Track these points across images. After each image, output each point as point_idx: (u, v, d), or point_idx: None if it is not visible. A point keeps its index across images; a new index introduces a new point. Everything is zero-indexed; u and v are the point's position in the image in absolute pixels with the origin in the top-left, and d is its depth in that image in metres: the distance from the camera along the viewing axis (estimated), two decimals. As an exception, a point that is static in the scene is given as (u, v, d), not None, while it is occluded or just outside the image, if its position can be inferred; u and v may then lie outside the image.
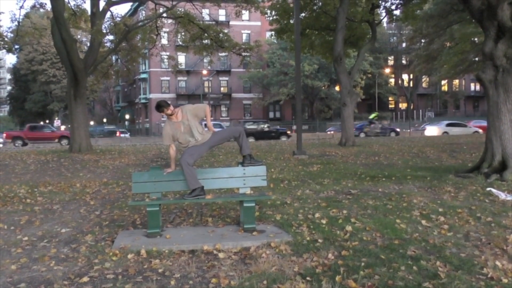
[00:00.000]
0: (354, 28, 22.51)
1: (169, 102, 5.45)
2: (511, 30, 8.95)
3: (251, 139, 30.89)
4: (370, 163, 12.98)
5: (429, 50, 31.57)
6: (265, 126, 36.38)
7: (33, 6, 22.07)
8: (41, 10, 24.65)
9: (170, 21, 23.72)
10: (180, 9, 22.51)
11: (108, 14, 21.31)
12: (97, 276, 4.00)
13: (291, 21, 21.56)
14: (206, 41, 22.84)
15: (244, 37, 55.49)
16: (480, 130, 33.54)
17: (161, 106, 5.31)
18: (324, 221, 5.68)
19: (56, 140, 32.64)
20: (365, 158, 14.36)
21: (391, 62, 63.14)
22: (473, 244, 4.71)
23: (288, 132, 36.69)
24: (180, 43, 26.52)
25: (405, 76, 61.95)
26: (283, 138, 34.51)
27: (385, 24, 53.13)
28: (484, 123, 30.67)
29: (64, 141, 31.39)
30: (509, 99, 9.09)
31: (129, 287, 3.71)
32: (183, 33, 23.28)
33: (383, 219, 5.79)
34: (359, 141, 22.70)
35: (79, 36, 40.77)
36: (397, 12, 23.81)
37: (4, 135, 33.45)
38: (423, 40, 33.60)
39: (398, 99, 64.09)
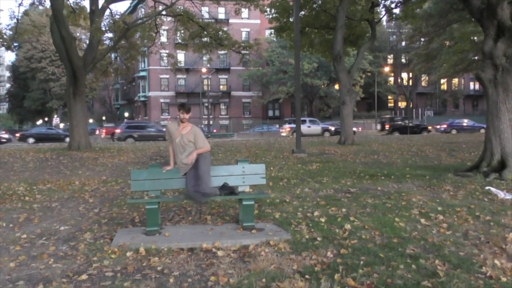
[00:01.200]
0: (354, 27, 22.51)
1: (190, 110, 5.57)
2: (510, 29, 8.95)
3: (396, 133, 35.84)
4: (369, 161, 12.98)
5: (429, 49, 31.59)
6: (409, 122, 39.20)
7: (32, 4, 22.01)
8: (40, 7, 24.62)
9: (169, 19, 23.69)
10: (179, 7, 22.48)
11: (107, 12, 21.28)
12: (95, 274, 3.99)
13: (291, 19, 21.54)
14: (206, 39, 22.83)
15: (244, 35, 55.40)
16: None
17: (184, 107, 5.40)
18: (323, 220, 5.68)
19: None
20: (364, 156, 14.37)
21: (390, 61, 63.07)
22: (472, 243, 4.71)
23: (429, 127, 39.45)
24: (180, 41, 26.49)
25: (404, 75, 61.89)
26: (424, 133, 36.84)
27: (384, 23, 53.03)
28: None
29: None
30: (508, 99, 9.09)
31: (128, 285, 3.71)
32: (182, 31, 23.27)
33: (382, 217, 5.79)
34: (358, 140, 22.71)
35: (78, 34, 40.61)
36: (396, 11, 23.90)
37: (104, 130, 36.04)
38: (422, 39, 33.63)
39: (398, 98, 64.06)
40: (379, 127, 41.90)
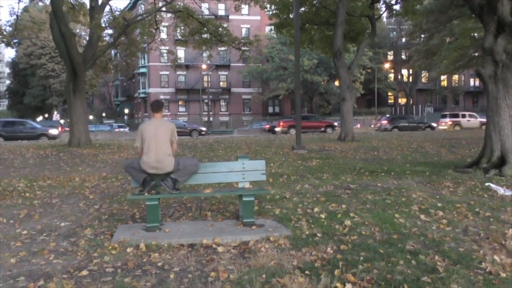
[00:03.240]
0: (354, 23, 22.45)
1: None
2: (511, 25, 8.93)
3: None
4: (369, 158, 12.99)
5: (429, 45, 31.52)
6: None
7: (32, 0, 21.96)
8: (40, 3, 24.56)
9: (169, 15, 23.62)
10: (179, 3, 22.41)
11: (107, 8, 21.22)
12: (96, 270, 4.00)
13: (291, 16, 21.50)
14: (206, 35, 22.76)
15: (244, 31, 55.30)
16: None
17: None
18: (323, 216, 5.69)
19: (322, 129, 34.66)
20: (364, 153, 14.37)
21: (390, 57, 62.92)
22: (472, 238, 4.72)
23: None
24: (180, 37, 26.43)
25: (404, 71, 61.75)
26: None
27: (384, 19, 52.75)
28: None
29: (330, 130, 34.26)
30: (508, 95, 9.08)
31: (128, 280, 3.72)
32: (182, 28, 23.19)
33: (382, 213, 5.80)
34: (358, 136, 22.71)
35: (78, 30, 40.62)
36: (397, 7, 23.83)
37: (281, 123, 36.33)
38: (422, 35, 33.55)
39: (398, 94, 63.96)
40: None
